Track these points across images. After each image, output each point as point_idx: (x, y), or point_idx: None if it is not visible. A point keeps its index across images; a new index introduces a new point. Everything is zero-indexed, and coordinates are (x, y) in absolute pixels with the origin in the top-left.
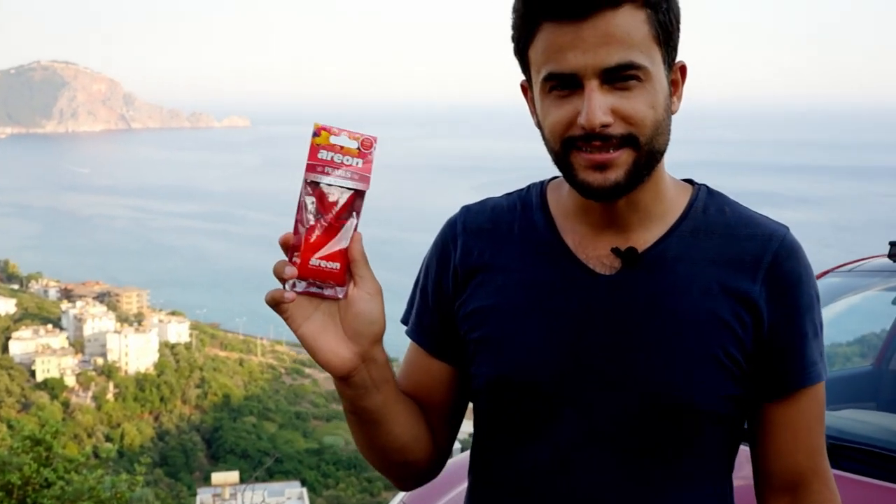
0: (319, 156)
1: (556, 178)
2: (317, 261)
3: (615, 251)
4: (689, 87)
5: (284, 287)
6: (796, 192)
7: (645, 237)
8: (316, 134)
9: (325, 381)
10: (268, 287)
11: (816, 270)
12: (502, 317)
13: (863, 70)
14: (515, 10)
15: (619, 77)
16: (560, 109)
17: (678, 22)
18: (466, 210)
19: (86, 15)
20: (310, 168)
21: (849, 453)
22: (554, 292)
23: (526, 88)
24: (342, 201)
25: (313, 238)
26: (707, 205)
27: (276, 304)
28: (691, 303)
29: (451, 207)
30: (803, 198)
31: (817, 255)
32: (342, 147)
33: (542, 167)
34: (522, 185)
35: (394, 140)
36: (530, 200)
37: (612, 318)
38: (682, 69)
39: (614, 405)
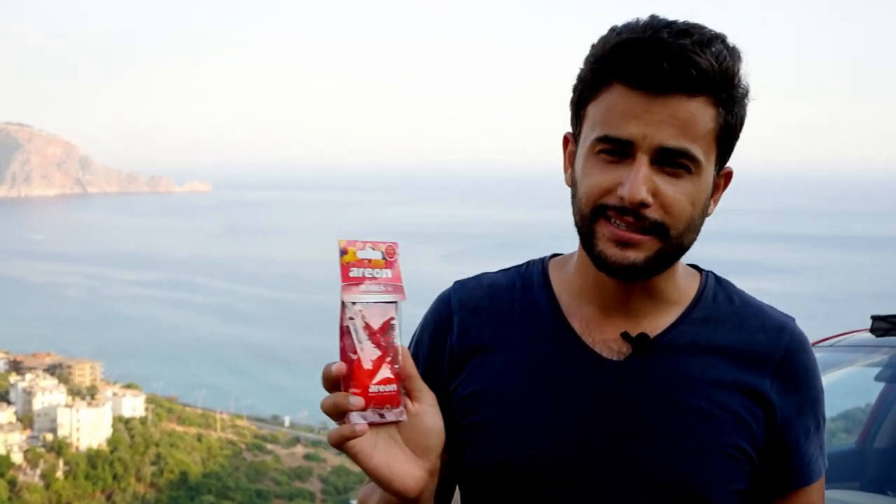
0: (352, 274)
1: (556, 255)
2: (376, 387)
3: (625, 336)
4: None
5: (346, 421)
6: (775, 261)
7: (656, 323)
8: (343, 252)
9: (288, 457)
10: (229, 357)
11: None
12: (503, 401)
13: (843, 138)
14: (588, 61)
15: (672, 162)
16: (603, 174)
17: (742, 127)
18: (461, 286)
19: (40, 76)
20: (346, 289)
21: None
22: (558, 376)
23: (568, 141)
24: (384, 318)
25: (367, 363)
26: (716, 293)
27: (343, 441)
28: (703, 394)
29: (421, 277)
30: (782, 268)
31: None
32: (370, 260)
33: (513, 234)
34: (496, 253)
35: (357, 205)
36: (531, 278)
37: (621, 406)
38: (728, 175)
39: (621, 494)
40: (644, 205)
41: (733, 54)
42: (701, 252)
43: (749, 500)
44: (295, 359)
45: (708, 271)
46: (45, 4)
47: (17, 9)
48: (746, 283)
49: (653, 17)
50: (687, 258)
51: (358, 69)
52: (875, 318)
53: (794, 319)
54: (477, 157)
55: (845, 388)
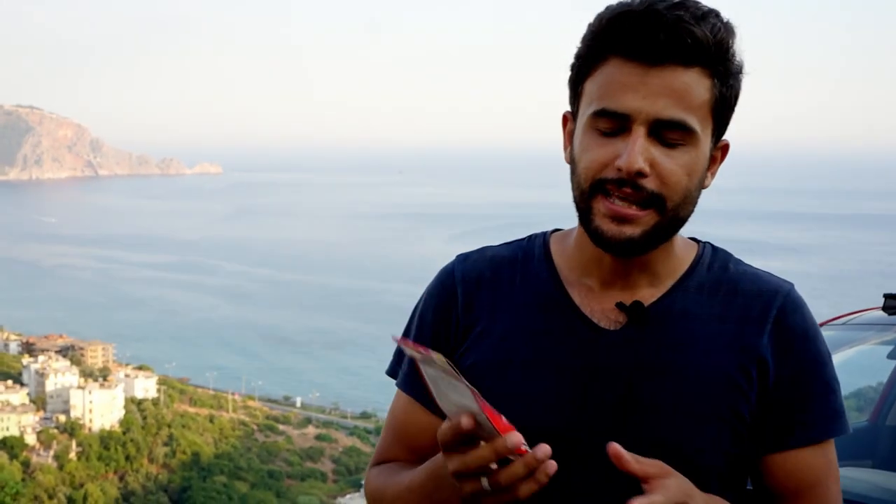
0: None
1: (558, 230)
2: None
3: (620, 306)
4: None
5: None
6: (785, 240)
7: (651, 293)
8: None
9: (299, 438)
10: (240, 339)
11: None
12: (505, 370)
13: (853, 117)
14: (584, 39)
15: (668, 133)
16: (601, 149)
17: (737, 101)
18: (464, 258)
19: (51, 58)
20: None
21: None
22: (558, 346)
23: (567, 119)
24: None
25: (491, 411)
26: (712, 261)
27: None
28: (697, 359)
29: (430, 257)
30: (792, 247)
31: (810, 305)
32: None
33: (523, 215)
34: (505, 233)
35: (368, 187)
36: (532, 251)
37: (618, 374)
38: (725, 148)
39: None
40: (641, 174)
41: (728, 28)
42: (711, 231)
43: (742, 462)
44: (304, 340)
45: (706, 242)
46: None
47: None
48: (757, 263)
49: None
50: (702, 238)
51: (368, 51)
52: (887, 297)
53: (792, 284)
54: (487, 137)
55: (857, 366)
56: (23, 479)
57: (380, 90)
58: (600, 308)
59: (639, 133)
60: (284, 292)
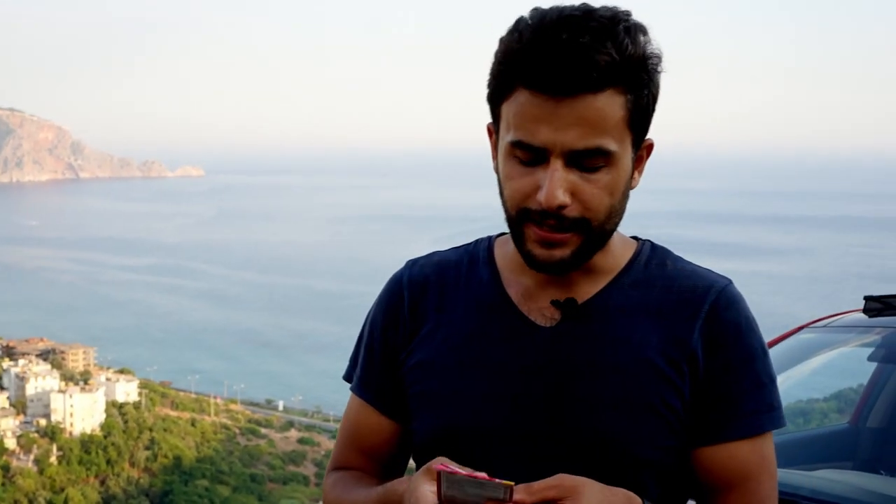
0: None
1: (504, 233)
2: None
3: (555, 303)
4: (661, 135)
5: None
6: (768, 243)
7: (587, 290)
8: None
9: (282, 441)
10: (221, 342)
11: (790, 324)
12: (446, 370)
13: (834, 121)
14: (495, 63)
15: (586, 161)
16: (522, 179)
17: (656, 100)
18: (412, 264)
19: (31, 60)
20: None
21: None
22: (497, 345)
23: (492, 132)
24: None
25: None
26: (650, 259)
27: None
28: (630, 353)
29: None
30: (774, 249)
31: (790, 308)
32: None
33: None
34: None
35: (351, 189)
36: (477, 255)
37: (553, 370)
38: (649, 148)
39: (555, 455)
40: (562, 207)
41: (635, 36)
42: (695, 234)
43: (678, 454)
44: (285, 343)
45: (645, 240)
46: None
47: None
48: (739, 265)
49: (553, 11)
50: (682, 240)
51: (350, 56)
52: (868, 299)
53: (729, 280)
54: (473, 139)
55: (838, 368)
56: (2, 484)
57: (363, 92)
58: (537, 306)
59: (556, 166)
60: (266, 295)
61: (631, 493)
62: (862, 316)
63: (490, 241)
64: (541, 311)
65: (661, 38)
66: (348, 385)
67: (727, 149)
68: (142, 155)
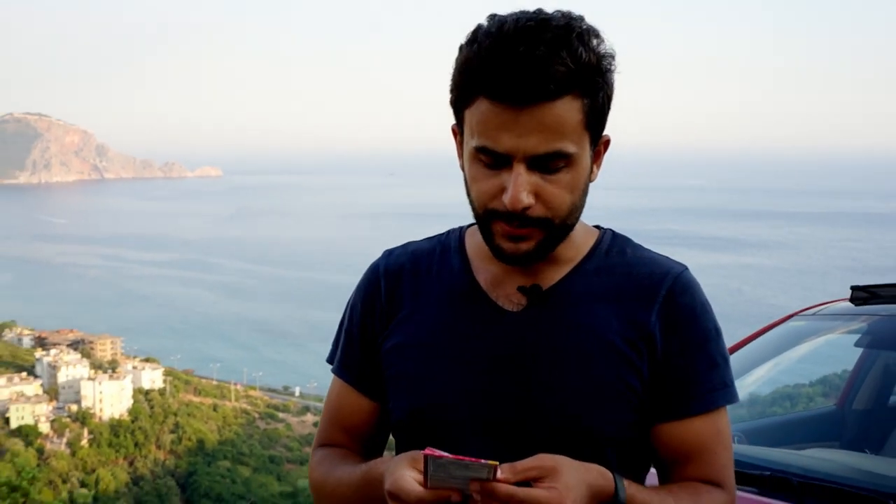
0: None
1: (473, 224)
2: None
3: (521, 289)
4: (648, 135)
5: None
6: (755, 237)
7: (551, 276)
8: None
9: (298, 425)
10: (240, 333)
11: (777, 314)
12: (418, 354)
13: (821, 120)
14: (456, 72)
15: (547, 163)
16: (487, 181)
17: (611, 100)
18: (388, 254)
19: (57, 67)
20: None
21: (814, 491)
22: (466, 330)
23: (456, 132)
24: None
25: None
26: (611, 247)
27: None
28: (592, 336)
29: None
30: (762, 243)
31: (777, 299)
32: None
33: None
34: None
35: (362, 188)
36: (449, 244)
37: (519, 353)
38: (606, 143)
39: (523, 434)
40: (526, 208)
41: (588, 42)
42: (687, 228)
43: (638, 429)
44: (300, 333)
45: (607, 229)
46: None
47: (34, 4)
48: (729, 258)
49: (509, 21)
50: (677, 235)
51: (359, 62)
52: (854, 289)
53: (685, 267)
54: None
55: (825, 355)
56: (38, 465)
57: (372, 95)
58: (504, 293)
59: (519, 170)
60: (282, 288)
61: (603, 469)
62: (849, 304)
63: (461, 231)
64: (508, 297)
65: (663, 43)
66: (330, 367)
67: (720, 148)
68: (163, 156)
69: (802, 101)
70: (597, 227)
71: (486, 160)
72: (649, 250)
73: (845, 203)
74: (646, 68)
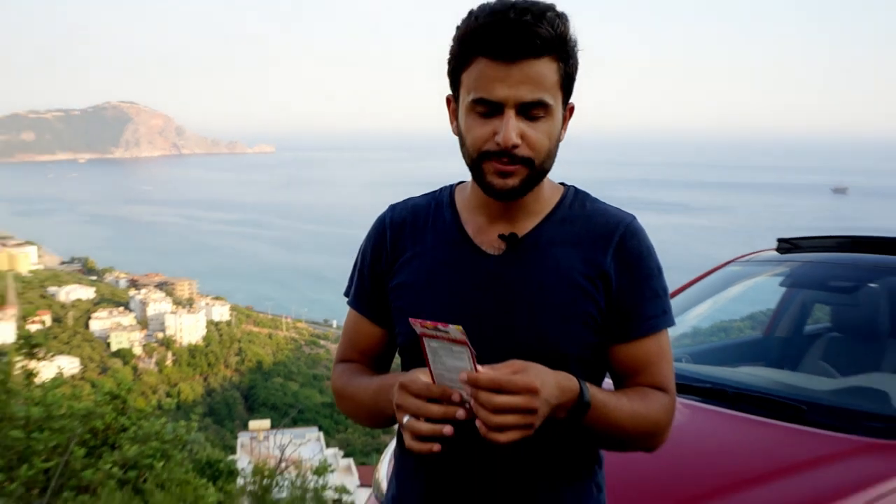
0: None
1: (461, 182)
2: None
3: (501, 236)
4: (620, 121)
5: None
6: (693, 202)
7: (525, 226)
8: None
9: (336, 349)
10: (289, 277)
11: (714, 263)
12: (418, 289)
13: (756, 108)
14: (456, 39)
15: (531, 110)
16: (482, 128)
17: (577, 71)
18: (392, 208)
19: (143, 62)
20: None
21: (745, 399)
22: (456, 270)
23: (450, 101)
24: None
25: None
26: (573, 200)
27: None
28: (558, 274)
29: None
30: (700, 207)
31: (715, 251)
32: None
33: None
34: None
35: (385, 161)
36: (442, 199)
37: (498, 288)
38: (571, 109)
39: (503, 353)
40: (515, 146)
41: (563, 19)
42: (644, 195)
43: (596, 349)
44: (336, 277)
45: (570, 185)
46: (146, 5)
47: (123, 7)
48: (677, 219)
49: (498, 2)
50: (638, 201)
51: (391, 53)
52: (780, 241)
53: (634, 217)
54: None
55: (756, 293)
56: (133, 380)
57: (391, 87)
58: (487, 239)
59: (510, 115)
60: (321, 241)
61: (568, 374)
62: (775, 253)
63: (451, 188)
64: (490, 243)
65: (634, 36)
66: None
67: (675, 129)
68: (228, 136)
69: (745, 94)
70: (562, 184)
71: (482, 109)
72: (604, 203)
73: (771, 175)
74: (619, 64)
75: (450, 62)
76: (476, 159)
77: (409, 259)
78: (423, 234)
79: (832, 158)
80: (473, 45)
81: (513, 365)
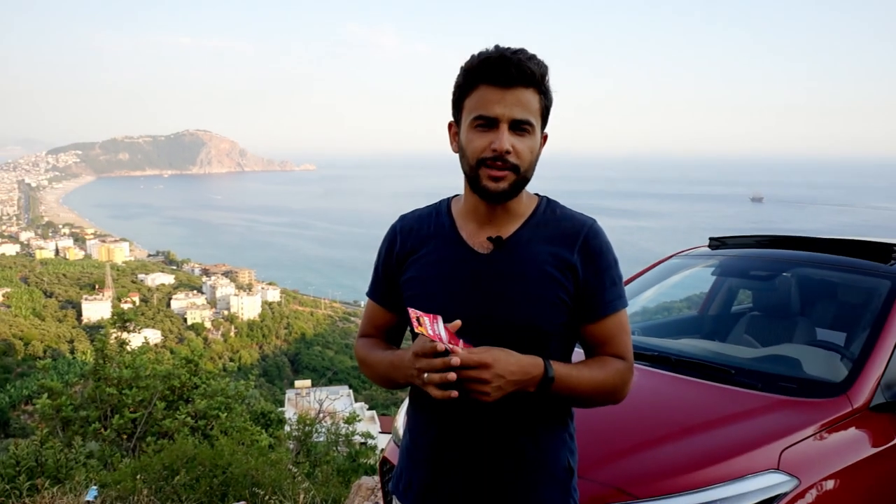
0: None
1: (456, 195)
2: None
3: (489, 238)
4: (581, 144)
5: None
6: (643, 209)
7: (508, 229)
8: (419, 323)
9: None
10: (326, 267)
11: (658, 256)
12: (423, 282)
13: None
14: (461, 71)
15: (520, 127)
16: (481, 139)
17: (551, 107)
18: (402, 218)
19: (214, 99)
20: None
21: (686, 365)
22: (453, 266)
23: (451, 126)
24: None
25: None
26: (546, 208)
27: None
28: (535, 268)
29: None
30: (648, 213)
31: (659, 247)
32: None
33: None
34: None
35: (405, 178)
36: (442, 209)
37: (486, 281)
38: (545, 137)
39: (492, 331)
40: (508, 153)
41: (544, 65)
42: (604, 204)
43: (567, 328)
44: (364, 268)
45: (543, 196)
46: (218, 51)
47: (201, 49)
48: (629, 222)
49: (497, 46)
50: (597, 207)
51: (406, 91)
52: (711, 239)
53: (595, 220)
54: None
55: (692, 280)
56: (204, 347)
57: (411, 112)
58: (478, 241)
59: (503, 129)
60: (353, 240)
61: (535, 357)
62: (707, 249)
63: (448, 201)
64: (480, 244)
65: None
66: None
67: (624, 149)
68: (280, 156)
69: (685, 117)
70: (536, 194)
71: (481, 124)
72: (571, 209)
73: (704, 188)
74: (580, 97)
75: (455, 91)
76: (474, 166)
77: (416, 258)
78: (426, 237)
79: (749, 174)
80: (477, 74)
81: (483, 347)
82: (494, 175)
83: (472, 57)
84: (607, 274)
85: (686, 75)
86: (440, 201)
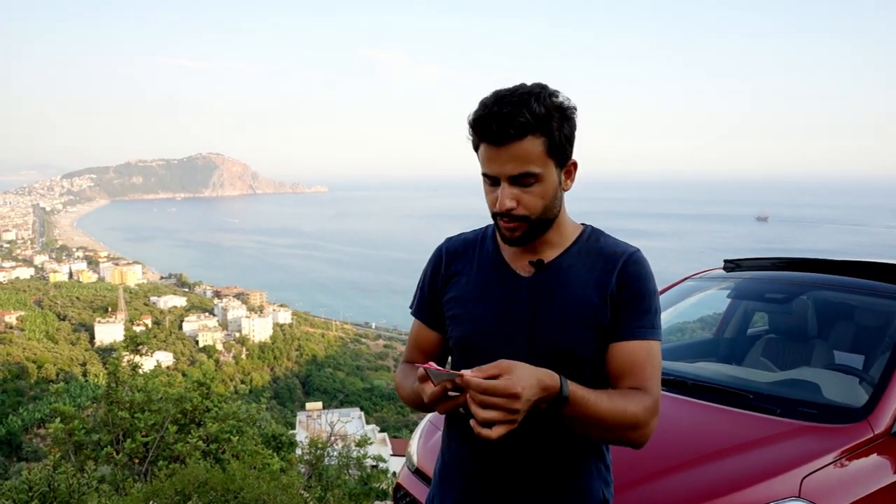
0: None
1: None
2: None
3: (531, 263)
4: (598, 165)
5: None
6: (657, 230)
7: (550, 254)
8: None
9: (374, 345)
10: (338, 288)
11: (673, 279)
12: (466, 302)
13: (702, 153)
14: (469, 127)
15: (521, 180)
16: (491, 195)
17: (572, 137)
18: (448, 240)
19: (225, 125)
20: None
21: (700, 388)
22: (496, 288)
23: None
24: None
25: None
26: (590, 236)
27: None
28: (574, 293)
29: None
30: (662, 233)
31: (672, 269)
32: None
33: None
34: None
35: (414, 199)
36: (487, 233)
37: (528, 302)
38: (574, 164)
39: (531, 353)
40: (510, 209)
41: (545, 100)
42: (616, 224)
43: (601, 350)
44: (375, 289)
45: (588, 225)
46: (230, 76)
47: (212, 73)
48: (642, 243)
49: (493, 93)
50: (608, 227)
51: (413, 115)
52: (726, 261)
53: (637, 249)
54: None
55: (707, 302)
56: (215, 370)
57: (418, 136)
58: (521, 265)
59: (504, 186)
60: (364, 261)
61: (551, 371)
62: (722, 271)
63: (493, 225)
64: (523, 268)
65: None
66: (413, 315)
67: (635, 172)
68: (291, 179)
69: (692, 141)
70: (583, 224)
71: (488, 181)
72: (615, 238)
73: (715, 209)
74: (602, 121)
75: (469, 139)
76: (492, 216)
77: (460, 279)
78: (471, 259)
79: (755, 194)
80: (476, 133)
81: (500, 365)
82: (506, 227)
83: (475, 109)
84: (641, 300)
85: (695, 97)
86: (486, 226)
